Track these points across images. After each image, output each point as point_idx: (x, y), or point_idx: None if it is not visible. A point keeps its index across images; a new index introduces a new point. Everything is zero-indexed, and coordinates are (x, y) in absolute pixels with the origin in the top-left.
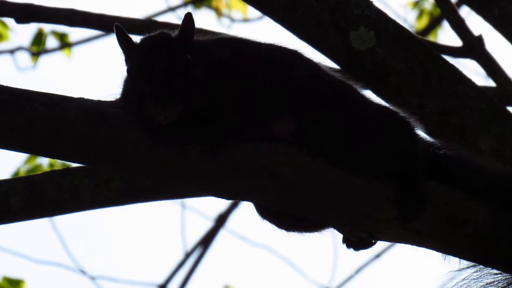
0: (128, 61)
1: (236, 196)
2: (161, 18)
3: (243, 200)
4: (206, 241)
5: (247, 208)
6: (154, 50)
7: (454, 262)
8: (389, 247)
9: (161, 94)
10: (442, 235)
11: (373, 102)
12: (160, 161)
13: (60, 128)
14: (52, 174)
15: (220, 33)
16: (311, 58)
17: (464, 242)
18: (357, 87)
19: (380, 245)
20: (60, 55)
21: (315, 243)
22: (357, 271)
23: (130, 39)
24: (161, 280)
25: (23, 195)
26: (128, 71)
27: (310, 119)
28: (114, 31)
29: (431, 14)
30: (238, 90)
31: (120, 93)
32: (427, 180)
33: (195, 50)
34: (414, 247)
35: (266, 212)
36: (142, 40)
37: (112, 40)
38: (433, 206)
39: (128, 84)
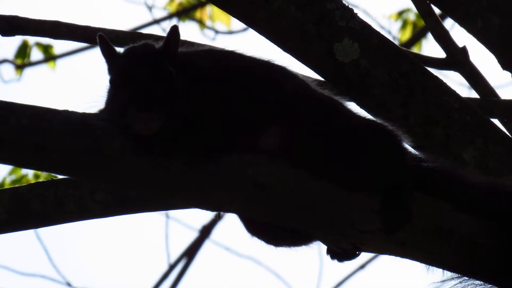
0: (111, 71)
1: (220, 207)
2: (146, 31)
3: (227, 211)
4: (190, 253)
5: (231, 219)
6: (137, 60)
7: (438, 273)
8: (373, 258)
9: (141, 102)
10: (426, 246)
11: (360, 116)
12: (144, 172)
13: (45, 141)
14: (36, 185)
15: (207, 45)
16: (297, 73)
17: (448, 253)
18: (343, 101)
19: (365, 256)
20: (45, 67)
21: (300, 254)
22: (342, 282)
23: (114, 49)
24: None
25: (8, 207)
26: (110, 80)
27: (296, 133)
28: (97, 41)
29: (414, 25)
30: (224, 102)
31: (104, 103)
32: (412, 192)
33: (180, 62)
34: (398, 258)
35: (255, 228)
36: (125, 50)
37: (96, 52)
38: (418, 218)
39: (111, 94)
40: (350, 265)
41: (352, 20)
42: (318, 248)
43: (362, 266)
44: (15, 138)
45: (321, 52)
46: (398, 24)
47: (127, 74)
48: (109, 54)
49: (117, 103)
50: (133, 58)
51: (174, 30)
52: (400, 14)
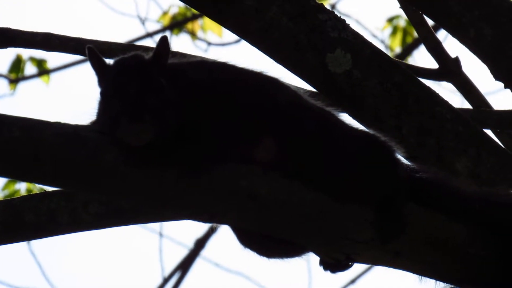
0: (101, 82)
1: (214, 218)
2: (139, 44)
3: (221, 223)
4: (184, 266)
5: (222, 236)
6: (127, 72)
7: (431, 284)
8: (364, 272)
9: (132, 113)
10: (420, 257)
11: (353, 127)
12: (137, 184)
13: (37, 153)
14: (30, 197)
15: (199, 56)
16: (290, 85)
17: (443, 263)
18: (336, 112)
19: (355, 270)
20: (39, 82)
21: (290, 269)
22: None
23: (103, 61)
24: None
25: (2, 219)
26: (101, 92)
27: (289, 144)
28: (86, 53)
29: (404, 31)
30: (216, 113)
31: (95, 115)
32: (406, 202)
33: (170, 72)
34: (389, 272)
35: (247, 239)
36: (115, 62)
37: (89, 66)
38: (412, 228)
39: (102, 106)
40: (340, 280)
41: (344, 30)
42: (307, 264)
43: (352, 281)
44: (7, 150)
45: (314, 63)
46: (388, 30)
47: (117, 86)
48: (98, 66)
49: (108, 114)
50: (123, 69)
51: (164, 40)
52: (390, 20)
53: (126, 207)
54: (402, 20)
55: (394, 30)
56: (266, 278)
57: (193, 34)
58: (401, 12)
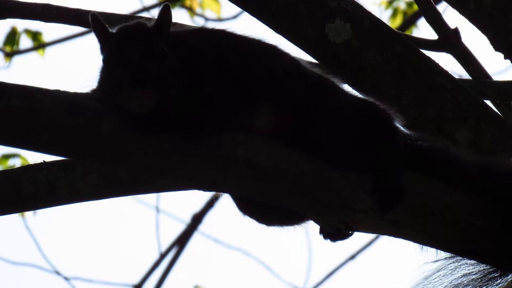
0: (104, 49)
1: (213, 186)
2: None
3: (220, 191)
4: (181, 241)
5: (222, 210)
6: (129, 39)
7: (431, 253)
8: (364, 248)
9: (135, 80)
10: (419, 226)
11: (351, 94)
12: (135, 151)
13: (36, 120)
14: (28, 168)
15: (197, 26)
16: (288, 52)
17: (441, 232)
18: (335, 80)
19: (355, 246)
20: (34, 55)
21: (289, 244)
22: (332, 273)
23: (106, 28)
24: (136, 280)
25: (0, 190)
26: (103, 59)
27: (288, 112)
28: (90, 20)
29: (405, 14)
30: (216, 81)
31: (96, 83)
32: (404, 171)
33: (172, 41)
34: (389, 248)
35: (247, 207)
36: (118, 29)
37: (85, 39)
38: (411, 197)
39: (104, 73)
40: (340, 256)
41: (343, 1)
42: (307, 239)
43: (352, 257)
44: (5, 117)
45: (313, 33)
46: (389, 12)
47: (120, 52)
48: (101, 33)
49: (111, 80)
50: (126, 36)
51: (166, 8)
52: (391, 2)
53: (125, 178)
54: (402, 3)
55: (395, 13)
56: (267, 254)
57: (191, 10)
58: None
